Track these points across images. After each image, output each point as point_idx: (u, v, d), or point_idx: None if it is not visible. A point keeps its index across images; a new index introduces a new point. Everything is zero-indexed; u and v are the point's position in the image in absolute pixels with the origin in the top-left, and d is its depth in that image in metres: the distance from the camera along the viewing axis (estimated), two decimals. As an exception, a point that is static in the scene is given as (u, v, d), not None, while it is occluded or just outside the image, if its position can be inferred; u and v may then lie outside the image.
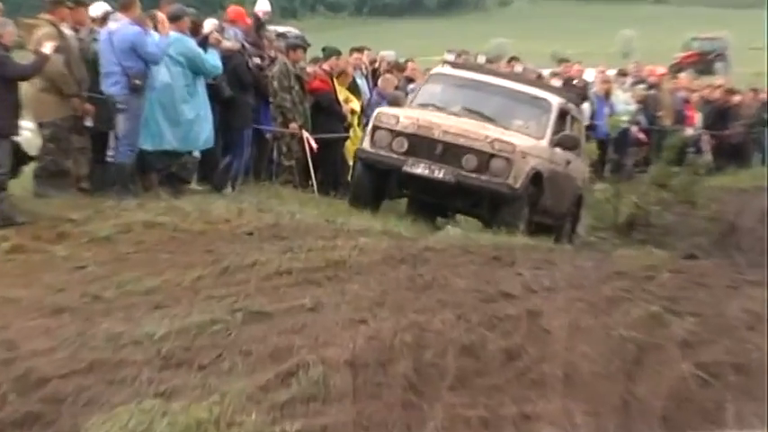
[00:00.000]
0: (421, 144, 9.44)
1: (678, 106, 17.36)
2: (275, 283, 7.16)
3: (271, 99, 11.38)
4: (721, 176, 17.00)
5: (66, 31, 9.33)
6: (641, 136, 15.57)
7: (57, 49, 8.86)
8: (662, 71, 19.43)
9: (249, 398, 5.05)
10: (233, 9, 12.48)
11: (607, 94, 15.25)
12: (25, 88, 9.14)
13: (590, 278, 8.06)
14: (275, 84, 11.23)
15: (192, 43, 9.94)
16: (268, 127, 11.84)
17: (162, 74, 9.68)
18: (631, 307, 7.05)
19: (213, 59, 10.00)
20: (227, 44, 10.48)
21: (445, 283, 7.54)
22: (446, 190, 9.50)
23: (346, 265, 7.71)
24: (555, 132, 10.14)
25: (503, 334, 6.33)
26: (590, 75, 17.94)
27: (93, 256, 7.63)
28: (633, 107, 15.75)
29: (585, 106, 14.36)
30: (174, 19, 9.92)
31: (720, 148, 18.37)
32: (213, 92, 10.40)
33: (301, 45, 12.67)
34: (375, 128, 9.69)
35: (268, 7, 12.83)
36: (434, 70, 11.75)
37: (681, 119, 17.09)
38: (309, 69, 12.61)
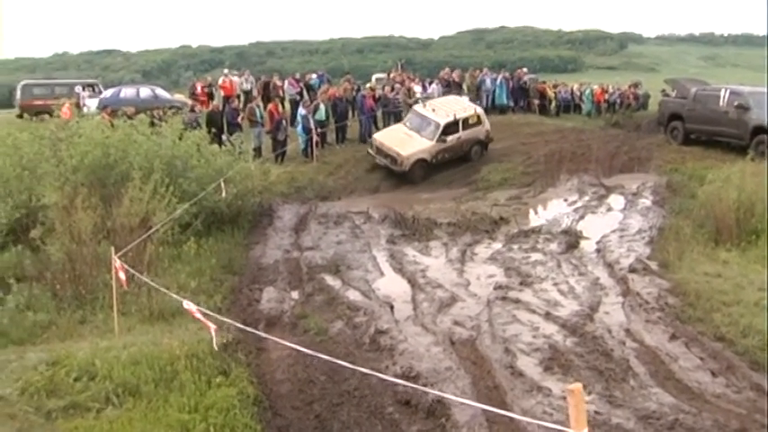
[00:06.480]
0: (379, 151, 17.31)
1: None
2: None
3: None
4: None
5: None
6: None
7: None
8: None
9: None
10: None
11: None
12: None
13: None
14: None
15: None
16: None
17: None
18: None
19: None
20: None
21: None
22: (387, 170, 17.14)
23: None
24: (441, 136, 17.20)
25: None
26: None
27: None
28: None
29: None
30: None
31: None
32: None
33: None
34: (370, 144, 17.77)
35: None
36: (412, 108, 18.95)
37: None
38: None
